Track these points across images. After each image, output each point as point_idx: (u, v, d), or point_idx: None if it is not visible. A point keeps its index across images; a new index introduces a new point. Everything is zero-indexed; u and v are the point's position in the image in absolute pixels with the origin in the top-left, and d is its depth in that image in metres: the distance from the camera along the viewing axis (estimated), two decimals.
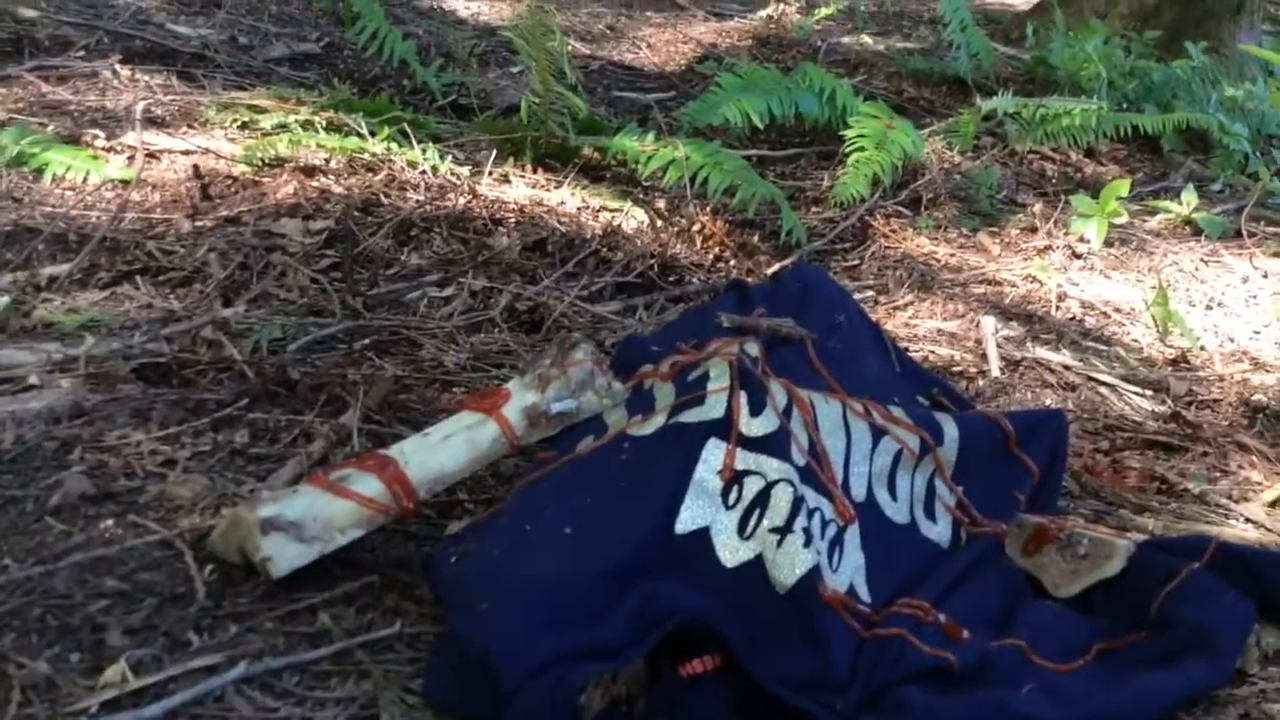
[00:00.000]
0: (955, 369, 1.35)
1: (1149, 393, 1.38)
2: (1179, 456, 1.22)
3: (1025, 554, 0.88)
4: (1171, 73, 2.93)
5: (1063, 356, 1.44)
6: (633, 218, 1.67)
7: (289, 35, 2.58)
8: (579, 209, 1.67)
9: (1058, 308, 1.65)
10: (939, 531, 0.88)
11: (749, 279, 1.06)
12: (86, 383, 1.07)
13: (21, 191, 1.50)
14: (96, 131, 1.72)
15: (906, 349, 1.23)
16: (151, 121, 1.82)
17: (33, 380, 1.05)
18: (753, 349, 0.87)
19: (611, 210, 1.69)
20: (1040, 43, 3.40)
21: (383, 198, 1.60)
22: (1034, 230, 2.01)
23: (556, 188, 1.74)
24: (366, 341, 1.19)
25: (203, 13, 2.66)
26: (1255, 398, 1.41)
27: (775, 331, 0.91)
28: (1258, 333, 1.66)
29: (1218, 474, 1.19)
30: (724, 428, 0.79)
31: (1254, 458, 1.21)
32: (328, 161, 1.72)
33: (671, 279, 1.50)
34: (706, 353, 0.86)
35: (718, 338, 0.90)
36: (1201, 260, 2.02)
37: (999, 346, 1.42)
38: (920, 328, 1.45)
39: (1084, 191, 2.29)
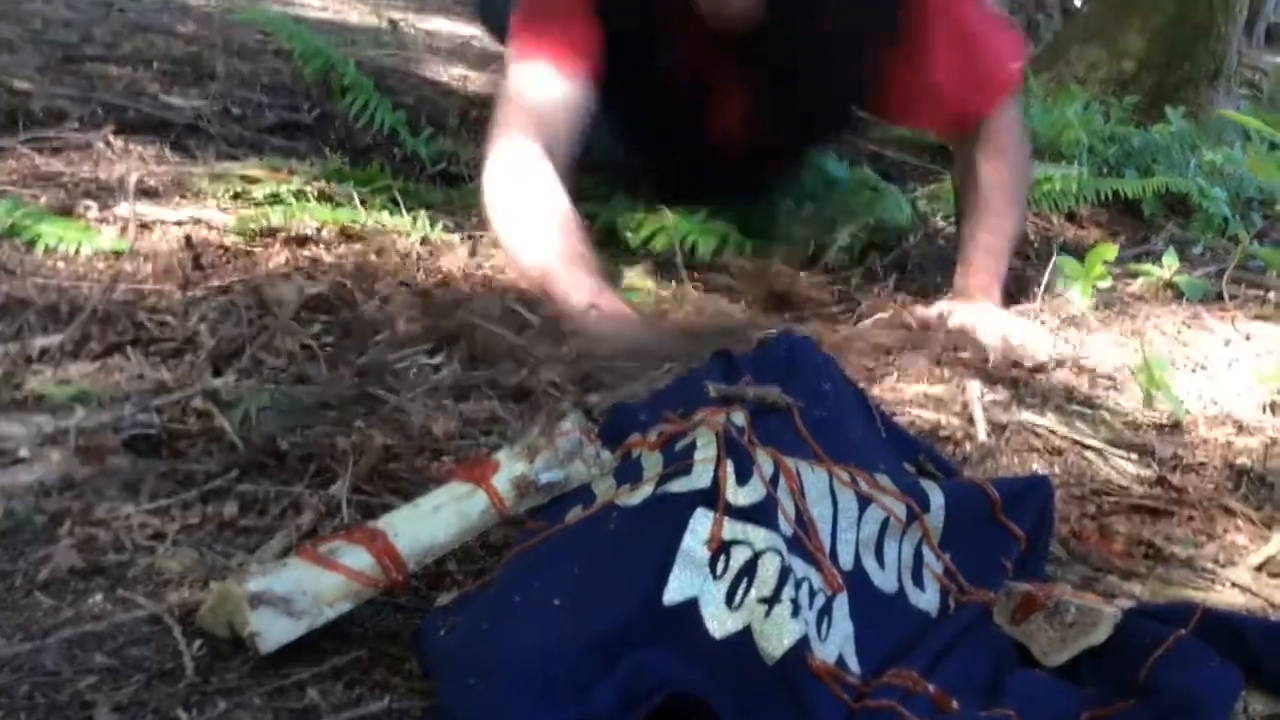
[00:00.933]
0: (942, 433, 1.35)
1: (1134, 456, 1.38)
2: (1165, 521, 1.23)
3: (1013, 622, 0.88)
4: (1150, 138, 2.99)
5: (1048, 420, 1.44)
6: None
7: (281, 106, 2.61)
8: None
9: (1043, 371, 1.67)
10: (927, 600, 0.88)
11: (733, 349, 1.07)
12: (77, 455, 1.07)
13: (14, 263, 1.51)
14: (89, 203, 1.73)
15: (893, 414, 1.24)
16: (144, 192, 1.83)
17: (23, 453, 1.05)
18: (739, 418, 0.88)
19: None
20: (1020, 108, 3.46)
21: (373, 266, 1.62)
22: (1018, 294, 2.03)
23: None
24: (356, 410, 1.19)
25: (196, 84, 2.70)
26: (1239, 461, 1.42)
27: (761, 400, 0.92)
28: (1240, 395, 1.68)
29: (1204, 538, 1.19)
30: (711, 497, 0.79)
31: (1239, 521, 1.22)
32: (319, 230, 1.74)
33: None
34: (693, 422, 0.87)
35: (705, 407, 0.90)
36: (1184, 323, 2.04)
37: (985, 410, 1.43)
38: (906, 392, 1.46)
39: (1066, 255, 2.32)
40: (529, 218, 1.62)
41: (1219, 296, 2.22)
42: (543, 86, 1.70)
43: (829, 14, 1.73)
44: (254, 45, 3.40)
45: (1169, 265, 2.26)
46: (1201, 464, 1.39)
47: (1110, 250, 2.08)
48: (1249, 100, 5.47)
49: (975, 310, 1.67)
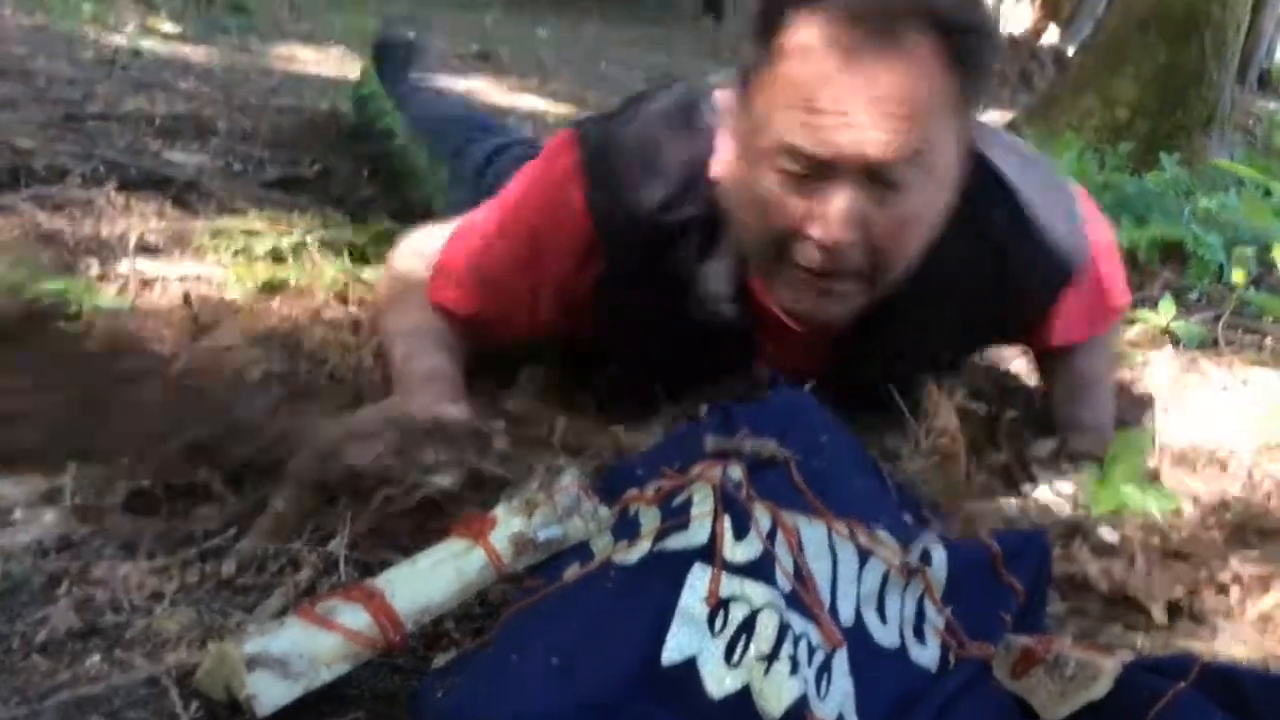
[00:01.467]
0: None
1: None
2: (1166, 571, 1.22)
3: (1014, 676, 0.88)
4: (1144, 185, 3.01)
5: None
6: None
7: (283, 161, 2.64)
8: None
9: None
10: (929, 655, 0.88)
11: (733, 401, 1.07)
12: (74, 514, 1.07)
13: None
14: (91, 260, 1.75)
15: (889, 467, 1.24)
16: (145, 249, 1.85)
17: (18, 514, 1.05)
18: (736, 472, 0.88)
19: None
20: None
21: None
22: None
23: None
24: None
25: (197, 140, 2.73)
26: (1238, 509, 1.41)
27: (759, 453, 0.92)
28: (1239, 444, 1.68)
29: (1204, 589, 1.19)
30: (708, 553, 0.79)
31: (1239, 572, 1.21)
32: (320, 283, 1.75)
33: None
34: (690, 477, 0.87)
35: (702, 460, 0.91)
36: (1181, 370, 2.05)
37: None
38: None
39: None
40: (419, 337, 1.41)
41: (1215, 343, 2.23)
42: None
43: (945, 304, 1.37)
44: (255, 101, 3.45)
45: (1165, 312, 2.27)
46: (1200, 514, 1.38)
47: None
48: (1244, 146, 5.52)
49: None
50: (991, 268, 1.35)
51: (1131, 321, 2.31)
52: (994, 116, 6.14)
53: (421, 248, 1.51)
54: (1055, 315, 1.49)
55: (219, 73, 4.11)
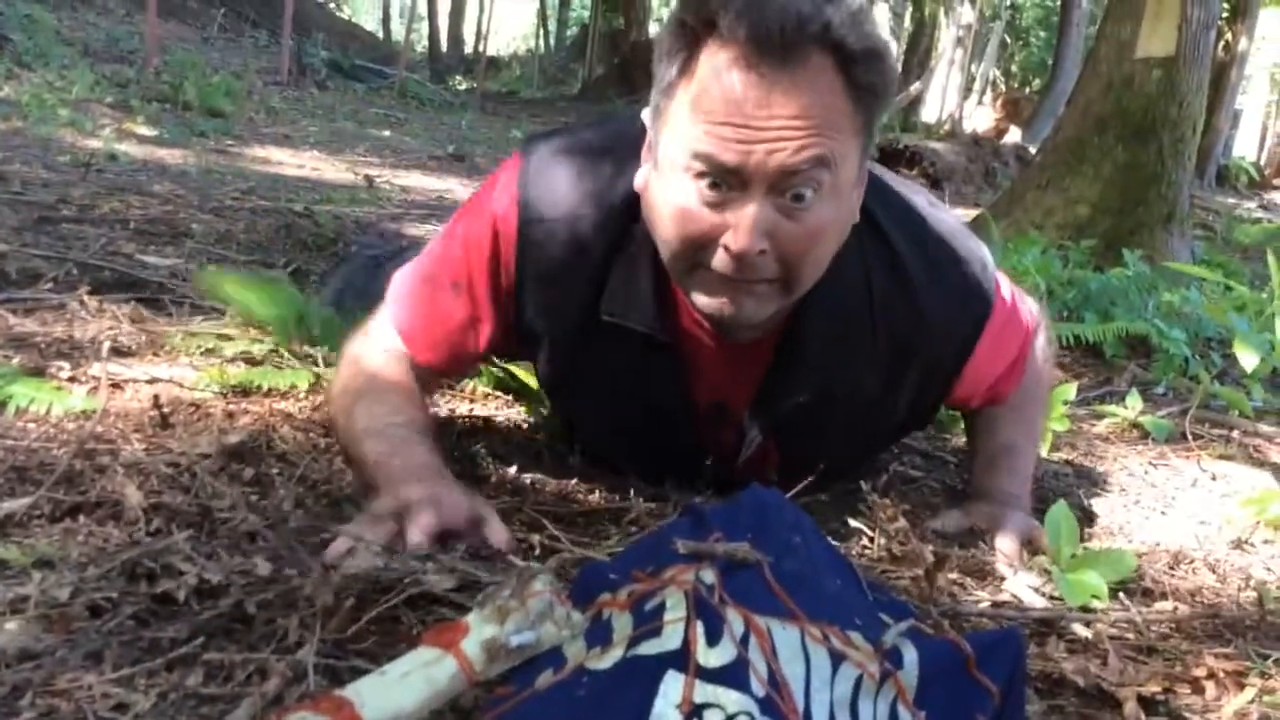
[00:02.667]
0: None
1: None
2: (1141, 667, 1.22)
3: None
4: (1108, 281, 3.07)
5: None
6: None
7: (256, 261, 2.65)
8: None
9: None
10: None
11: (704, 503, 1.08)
12: (38, 623, 1.05)
13: None
14: (62, 363, 1.74)
15: (860, 564, 1.24)
16: (116, 351, 1.85)
17: None
18: (709, 576, 0.87)
19: None
20: None
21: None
22: None
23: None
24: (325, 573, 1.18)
25: (172, 242, 2.75)
26: (1211, 603, 1.42)
27: (731, 556, 0.92)
28: (1208, 538, 1.69)
29: (1180, 685, 1.19)
30: (682, 659, 0.79)
31: (1213, 668, 1.21)
32: (293, 387, 1.75)
33: None
34: (663, 581, 0.87)
35: (674, 564, 0.90)
36: (1150, 464, 2.07)
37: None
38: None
39: None
40: (376, 401, 1.44)
41: (1183, 436, 2.26)
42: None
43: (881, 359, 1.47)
44: (230, 203, 3.48)
45: (1133, 406, 2.30)
46: (1172, 609, 1.39)
47: (1068, 391, 2.11)
48: (1204, 240, 5.65)
49: (998, 514, 1.55)
50: (901, 294, 1.43)
51: (1100, 416, 2.34)
52: (960, 213, 6.26)
53: (366, 326, 1.58)
54: (976, 364, 1.54)
55: (194, 175, 4.15)
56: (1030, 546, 1.49)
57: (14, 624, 1.05)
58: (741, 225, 1.20)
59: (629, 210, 1.37)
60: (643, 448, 1.57)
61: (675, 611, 0.82)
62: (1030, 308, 1.70)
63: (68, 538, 1.23)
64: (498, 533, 1.27)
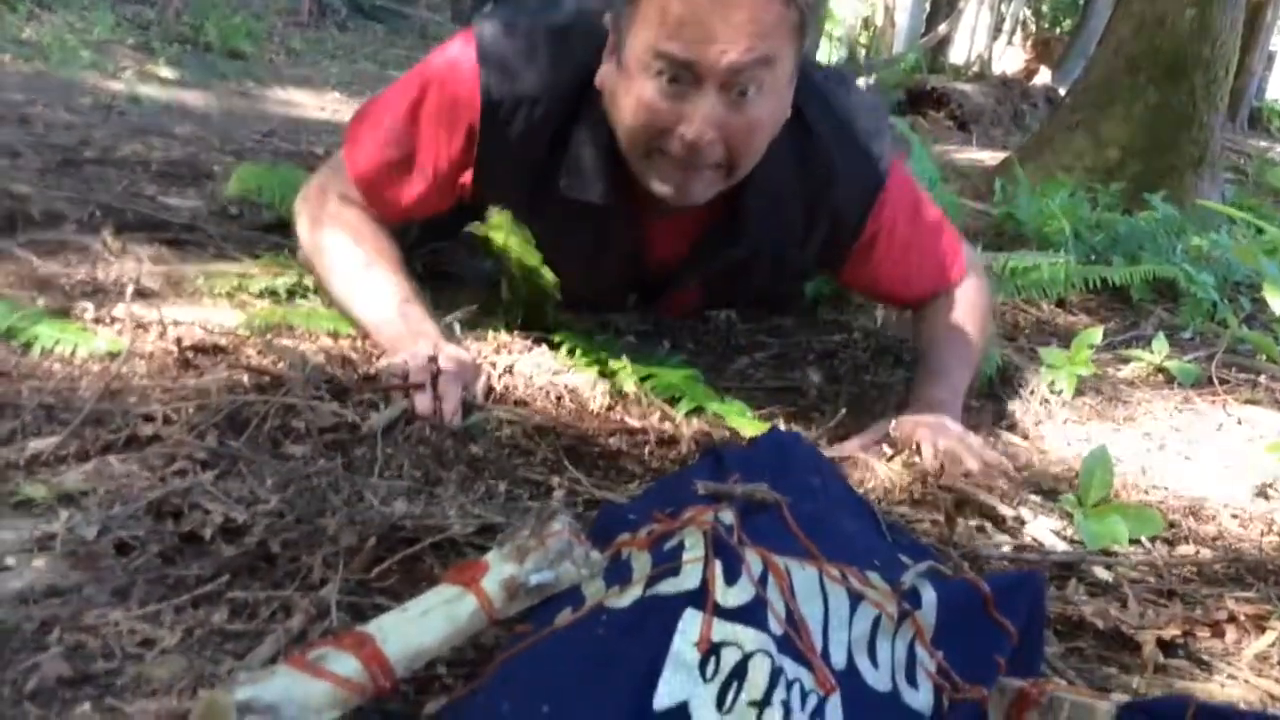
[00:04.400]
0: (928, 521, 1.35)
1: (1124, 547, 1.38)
2: (1161, 611, 1.22)
3: (1008, 719, 0.87)
4: (1136, 224, 3.04)
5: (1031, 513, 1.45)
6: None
7: (275, 205, 2.64)
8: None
9: (1028, 461, 1.67)
10: (921, 699, 0.87)
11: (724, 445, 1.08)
12: (65, 560, 1.07)
13: (10, 366, 1.52)
14: (86, 304, 1.75)
15: (880, 507, 1.24)
16: (140, 293, 1.85)
17: (10, 560, 1.05)
18: (727, 516, 0.88)
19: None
20: (1007, 198, 3.51)
21: (365, 362, 1.63)
22: (1005, 380, 2.04)
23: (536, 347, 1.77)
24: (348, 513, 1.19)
25: (193, 185, 2.74)
26: (1234, 548, 1.42)
27: (750, 497, 0.92)
28: (1233, 482, 1.68)
29: (1200, 629, 1.19)
30: (700, 598, 0.79)
31: (1235, 611, 1.21)
32: (315, 324, 1.75)
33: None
34: (682, 521, 0.87)
35: (693, 505, 0.91)
36: (1176, 408, 2.05)
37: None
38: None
39: (1056, 342, 2.33)
40: (366, 271, 1.70)
41: (1210, 380, 2.24)
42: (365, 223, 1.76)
43: (779, 223, 1.73)
44: (251, 145, 3.47)
45: (1159, 351, 2.28)
46: (1195, 553, 1.38)
47: (1094, 335, 2.09)
48: (1234, 184, 5.56)
49: (928, 421, 1.62)
50: (815, 159, 1.66)
51: (1126, 360, 2.32)
52: (987, 155, 6.19)
53: (327, 171, 1.82)
54: (878, 220, 1.75)
55: (216, 117, 4.14)
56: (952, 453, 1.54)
57: (41, 561, 1.06)
58: (696, 116, 1.43)
59: (583, 94, 1.57)
60: (581, 282, 1.79)
61: (694, 551, 0.82)
62: (954, 236, 1.92)
63: (94, 477, 1.24)
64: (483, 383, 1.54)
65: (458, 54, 1.63)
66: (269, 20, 8.95)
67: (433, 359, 1.46)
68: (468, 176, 1.69)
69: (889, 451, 1.53)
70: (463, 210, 1.74)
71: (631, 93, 1.46)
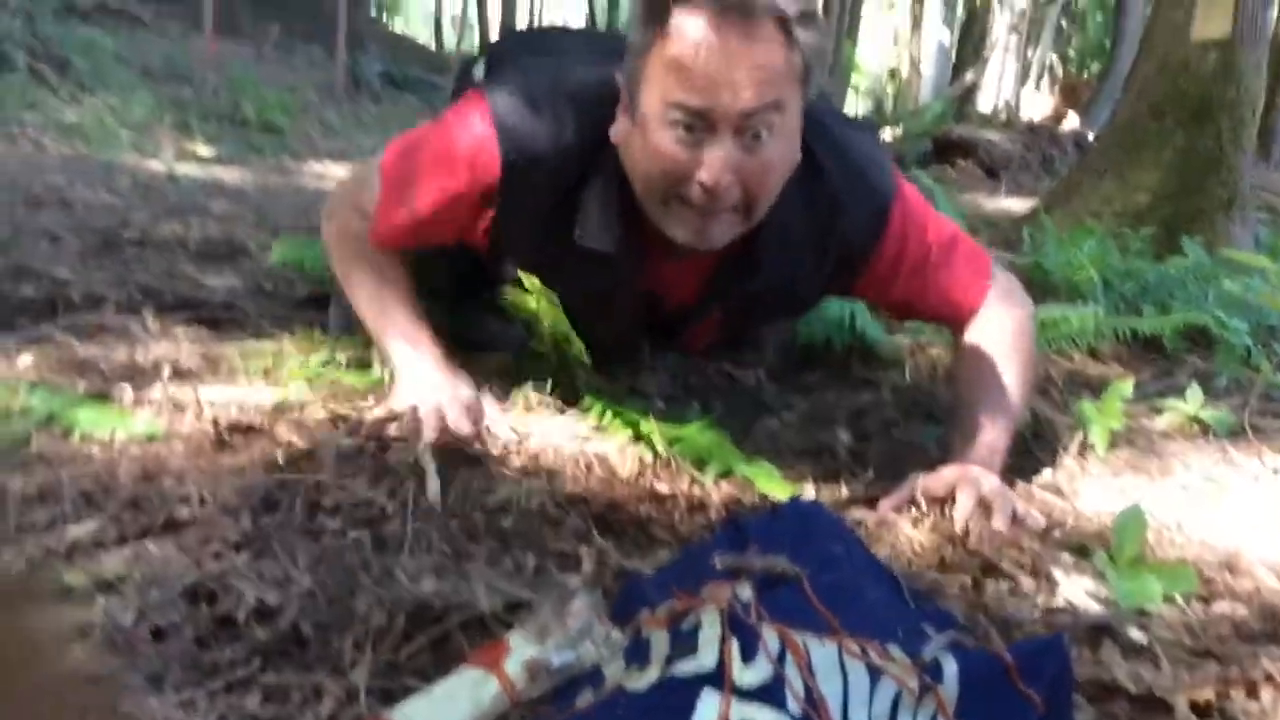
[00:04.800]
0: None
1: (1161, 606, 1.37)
2: (1195, 671, 1.21)
3: None
4: (1165, 272, 3.02)
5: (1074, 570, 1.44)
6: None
7: (312, 279, 2.69)
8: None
9: (1061, 519, 1.66)
10: None
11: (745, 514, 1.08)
12: (103, 648, 1.09)
13: (51, 451, 1.55)
14: (125, 386, 1.78)
15: (908, 571, 1.24)
16: (178, 374, 1.89)
17: (50, 649, 1.07)
18: (745, 592, 0.88)
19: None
20: (1035, 248, 3.51)
21: (401, 439, 1.65)
22: (1038, 435, 2.03)
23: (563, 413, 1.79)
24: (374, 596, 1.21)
25: (231, 262, 2.80)
26: (1270, 604, 1.40)
27: (769, 570, 0.93)
28: (1270, 535, 1.66)
29: (1235, 689, 1.17)
30: (718, 678, 0.80)
31: (1271, 670, 1.20)
32: (339, 400, 1.78)
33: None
34: (700, 598, 0.88)
35: (712, 580, 0.91)
36: (1211, 460, 2.03)
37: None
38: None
39: (1088, 393, 2.32)
40: (384, 296, 1.84)
41: (1246, 430, 2.21)
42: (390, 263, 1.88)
43: (794, 250, 1.76)
44: (287, 220, 3.54)
45: (1193, 400, 2.25)
46: (1233, 610, 1.37)
47: (1126, 387, 2.08)
48: (1267, 224, 5.52)
49: (960, 476, 1.60)
50: (822, 193, 1.71)
51: (1159, 411, 2.30)
52: (1017, 203, 6.19)
53: (349, 199, 1.91)
54: (888, 241, 1.77)
55: (252, 193, 4.23)
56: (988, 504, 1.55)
57: (81, 649, 1.08)
58: (713, 161, 1.48)
59: (593, 150, 1.64)
60: (601, 329, 1.87)
61: (711, 630, 0.83)
62: (975, 250, 1.90)
63: (132, 562, 1.27)
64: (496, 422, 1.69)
65: (473, 121, 1.69)
66: (304, 94, 9.15)
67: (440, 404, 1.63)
68: (485, 224, 1.77)
69: (916, 513, 1.53)
70: (482, 262, 1.87)
71: (649, 144, 1.52)
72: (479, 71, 2.04)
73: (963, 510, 1.51)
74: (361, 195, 1.87)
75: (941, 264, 1.83)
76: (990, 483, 1.59)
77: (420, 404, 1.64)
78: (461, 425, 1.61)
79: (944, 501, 1.55)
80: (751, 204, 1.56)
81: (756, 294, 1.80)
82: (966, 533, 1.46)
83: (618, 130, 1.60)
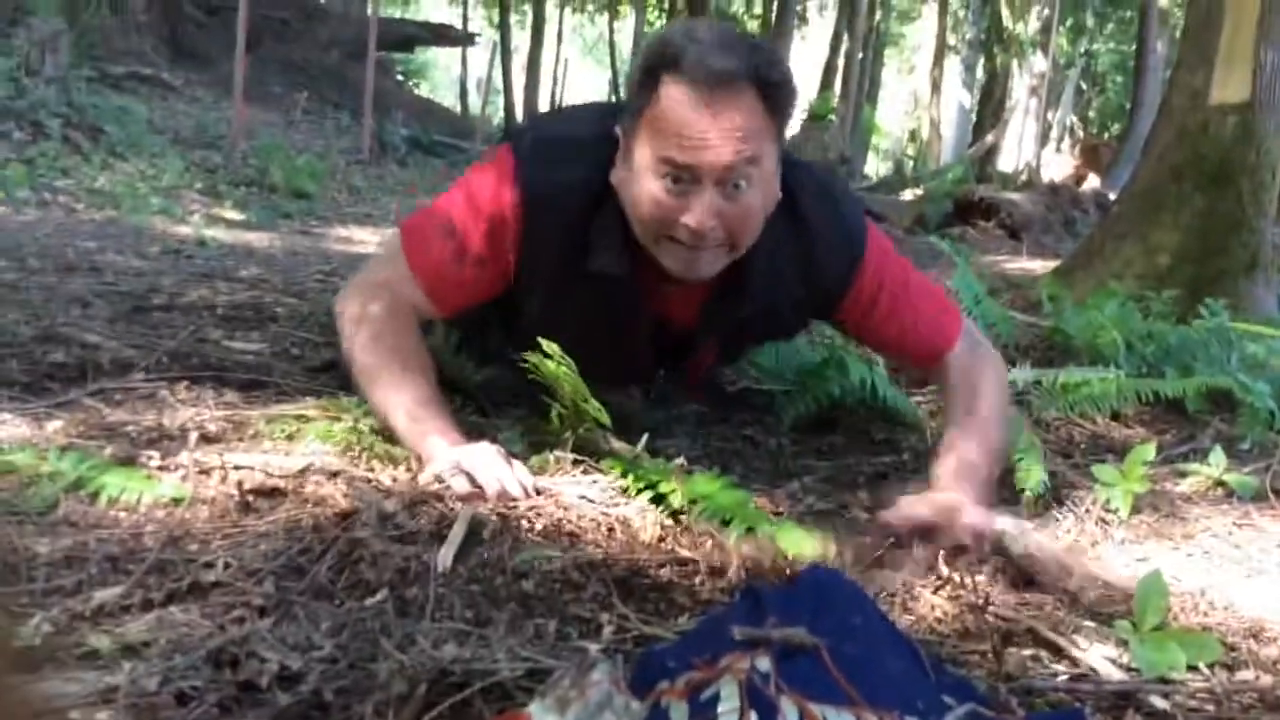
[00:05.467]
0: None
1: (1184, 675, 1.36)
2: None
3: None
4: (1187, 335, 3.01)
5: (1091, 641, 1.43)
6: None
7: (336, 344, 2.72)
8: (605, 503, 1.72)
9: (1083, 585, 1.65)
10: None
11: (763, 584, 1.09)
12: (128, 712, 1.09)
13: (78, 515, 1.57)
14: (152, 452, 1.81)
15: (929, 639, 1.24)
16: (204, 438, 1.92)
17: (74, 715, 1.08)
18: (764, 663, 0.89)
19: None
20: (1057, 310, 3.51)
21: (423, 501, 1.66)
22: (1060, 500, 2.03)
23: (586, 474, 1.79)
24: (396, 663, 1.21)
25: (257, 327, 2.84)
26: None
27: (788, 641, 0.93)
28: None
29: None
30: None
31: None
32: (367, 467, 1.80)
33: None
34: (719, 669, 0.88)
35: (731, 651, 0.92)
36: (1235, 524, 2.02)
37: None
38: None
39: (1111, 457, 2.32)
40: (395, 371, 1.93)
41: (1270, 493, 2.20)
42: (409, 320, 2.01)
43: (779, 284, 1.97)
44: (314, 285, 3.58)
45: (1217, 464, 2.25)
46: (1255, 678, 1.35)
47: (1148, 451, 2.07)
48: None
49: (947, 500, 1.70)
50: (803, 231, 1.93)
51: (1183, 475, 2.29)
52: (1039, 264, 6.19)
53: (369, 279, 2.07)
54: (863, 278, 1.97)
55: (280, 257, 4.29)
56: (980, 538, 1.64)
57: (105, 714, 1.09)
58: (697, 210, 1.70)
59: (602, 191, 1.84)
60: (611, 355, 2.02)
61: (729, 702, 0.83)
62: (943, 296, 2.15)
63: (157, 627, 1.28)
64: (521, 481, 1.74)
65: (500, 162, 1.91)
66: (331, 159, 9.29)
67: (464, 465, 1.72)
68: (510, 262, 1.95)
69: (939, 580, 1.53)
70: (494, 305, 2.03)
71: (643, 191, 1.73)
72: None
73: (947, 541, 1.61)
74: (381, 273, 2.03)
75: (914, 301, 2.03)
76: (976, 514, 1.66)
77: (474, 468, 1.71)
78: (513, 486, 1.69)
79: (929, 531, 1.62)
80: (735, 243, 1.78)
81: (748, 318, 2.00)
82: (989, 600, 1.45)
83: (617, 175, 1.82)
